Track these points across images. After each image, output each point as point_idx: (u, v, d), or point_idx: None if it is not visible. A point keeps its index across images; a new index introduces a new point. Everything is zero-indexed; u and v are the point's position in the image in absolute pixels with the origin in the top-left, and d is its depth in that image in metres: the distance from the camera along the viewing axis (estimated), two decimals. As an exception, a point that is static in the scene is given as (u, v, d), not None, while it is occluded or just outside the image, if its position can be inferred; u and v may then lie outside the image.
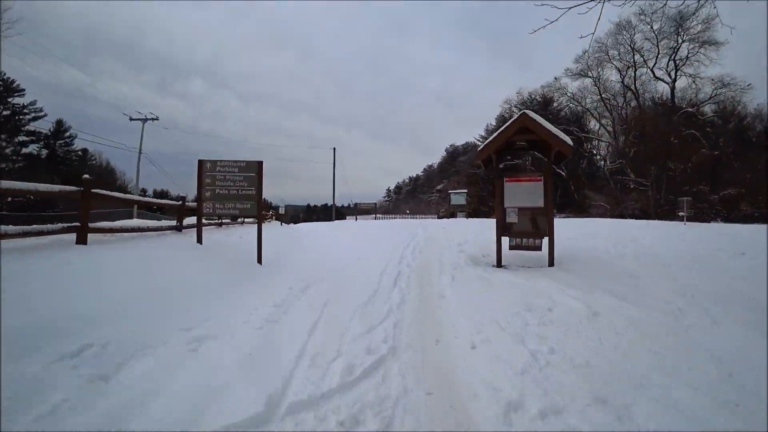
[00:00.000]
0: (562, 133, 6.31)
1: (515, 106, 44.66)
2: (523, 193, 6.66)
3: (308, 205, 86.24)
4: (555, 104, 42.80)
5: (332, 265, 7.38)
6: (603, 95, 34.35)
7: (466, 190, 24.47)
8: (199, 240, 7.21)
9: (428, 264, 6.86)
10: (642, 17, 28.79)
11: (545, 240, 6.50)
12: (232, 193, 7.21)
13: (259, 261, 7.16)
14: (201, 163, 7.24)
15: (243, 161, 7.31)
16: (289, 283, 5.86)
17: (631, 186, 26.57)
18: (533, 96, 43.31)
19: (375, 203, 29.14)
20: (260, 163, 7.32)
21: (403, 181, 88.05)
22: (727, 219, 19.64)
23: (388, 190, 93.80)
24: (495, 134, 6.42)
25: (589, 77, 34.80)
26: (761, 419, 2.03)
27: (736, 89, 25.46)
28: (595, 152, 39.20)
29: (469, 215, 33.80)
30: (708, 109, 28.36)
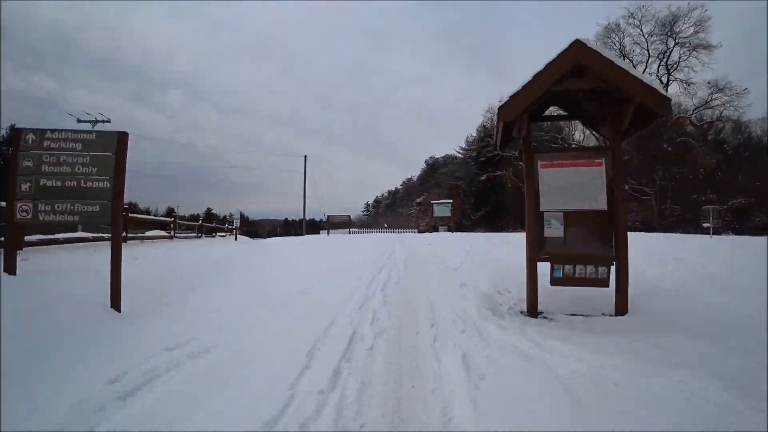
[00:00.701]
0: (645, 76, 3.58)
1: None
2: (571, 187, 3.86)
3: (286, 220, 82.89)
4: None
5: (253, 311, 4.34)
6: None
7: (450, 200, 21.76)
8: (10, 268, 4.04)
9: (410, 312, 3.90)
10: (631, 20, 27.45)
11: (613, 269, 3.72)
12: (70, 186, 4.12)
13: (116, 306, 4.06)
14: (17, 134, 4.18)
15: (91, 132, 4.27)
16: (132, 361, 2.85)
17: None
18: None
19: (349, 215, 25.93)
20: (122, 136, 4.28)
21: (383, 195, 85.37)
22: (739, 230, 17.75)
23: (367, 204, 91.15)
24: (530, 79, 3.58)
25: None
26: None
27: (732, 94, 24.20)
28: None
29: (451, 229, 31.35)
30: (694, 118, 27.16)
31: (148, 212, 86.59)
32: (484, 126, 45.34)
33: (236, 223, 16.18)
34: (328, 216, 25.65)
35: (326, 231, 25.63)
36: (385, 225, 32.32)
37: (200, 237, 14.61)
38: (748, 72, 41.41)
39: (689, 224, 19.50)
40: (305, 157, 28.54)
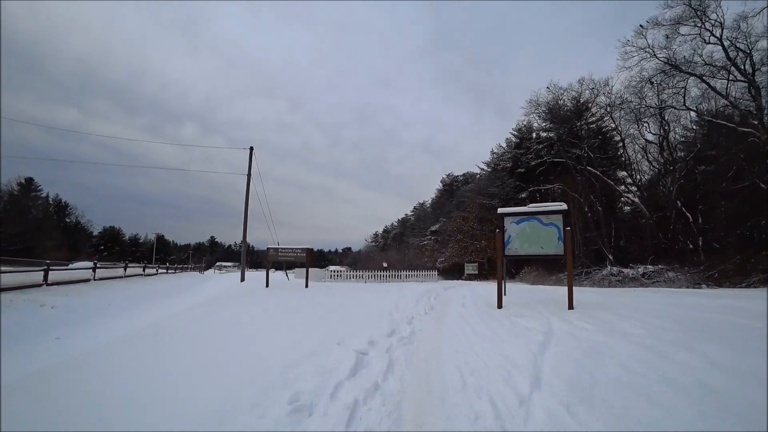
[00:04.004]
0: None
1: (542, 112, 30.33)
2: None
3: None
4: (593, 112, 29.36)
5: None
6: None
7: (563, 206, 6.84)
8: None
9: None
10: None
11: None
12: None
13: None
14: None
15: None
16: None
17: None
18: (562, 100, 29.25)
19: (309, 248, 13.78)
20: None
21: (392, 225, 74.33)
22: None
23: (376, 234, 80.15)
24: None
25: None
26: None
27: None
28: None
29: (472, 276, 19.41)
30: None
31: (137, 239, 76.89)
32: (519, 129, 34.15)
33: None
34: (269, 249, 14.06)
35: (266, 268, 14.32)
36: (384, 264, 20.65)
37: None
38: None
39: None
40: (251, 148, 17.95)
